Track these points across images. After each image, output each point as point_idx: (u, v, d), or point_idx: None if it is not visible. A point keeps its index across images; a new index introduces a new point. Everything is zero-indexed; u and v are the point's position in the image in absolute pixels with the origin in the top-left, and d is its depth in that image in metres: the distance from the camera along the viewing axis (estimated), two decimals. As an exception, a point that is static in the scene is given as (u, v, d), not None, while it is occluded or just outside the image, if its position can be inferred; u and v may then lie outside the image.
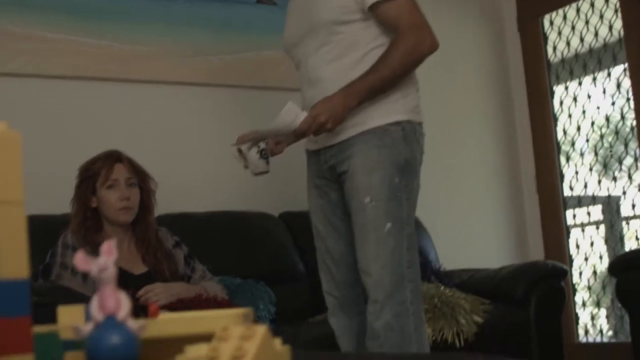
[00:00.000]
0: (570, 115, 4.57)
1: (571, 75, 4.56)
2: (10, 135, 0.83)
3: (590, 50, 4.51)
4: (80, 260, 0.91)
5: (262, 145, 2.63)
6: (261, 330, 0.91)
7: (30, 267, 0.85)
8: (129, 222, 3.05)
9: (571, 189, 4.56)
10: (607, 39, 4.41)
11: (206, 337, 1.00)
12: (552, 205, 4.56)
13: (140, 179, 3.08)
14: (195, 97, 3.90)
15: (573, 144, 4.59)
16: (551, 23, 4.63)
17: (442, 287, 3.65)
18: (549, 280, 3.71)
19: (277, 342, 0.95)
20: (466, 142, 4.54)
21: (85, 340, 0.91)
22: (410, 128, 2.59)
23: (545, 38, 4.64)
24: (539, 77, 4.61)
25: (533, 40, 4.63)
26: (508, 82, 4.74)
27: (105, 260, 0.91)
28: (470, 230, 4.48)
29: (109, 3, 3.71)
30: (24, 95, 3.54)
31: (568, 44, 4.55)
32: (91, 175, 3.03)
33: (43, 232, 3.00)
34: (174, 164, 3.72)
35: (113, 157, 3.05)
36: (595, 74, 4.47)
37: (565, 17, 4.56)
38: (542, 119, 4.60)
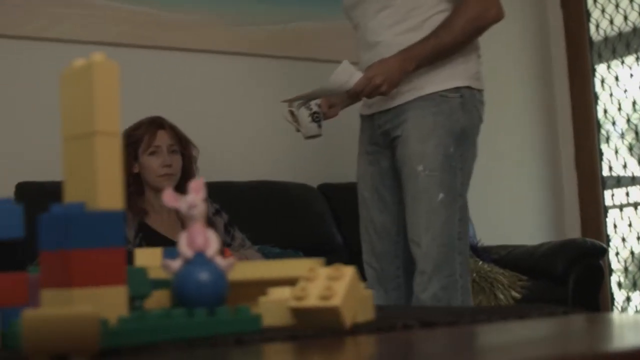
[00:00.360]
0: (611, 95, 4.52)
1: (614, 54, 4.51)
2: (110, 65, 0.83)
3: (634, 29, 4.45)
4: (169, 197, 0.91)
5: (315, 108, 2.57)
6: (349, 271, 0.91)
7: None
8: (170, 188, 3.05)
9: (610, 169, 4.51)
10: (651, 18, 4.36)
11: (286, 282, 1.01)
12: (591, 184, 4.52)
13: (183, 146, 3.08)
14: (238, 67, 3.89)
15: (614, 124, 4.54)
16: (595, 1, 4.57)
17: (480, 262, 3.65)
18: (588, 258, 3.69)
19: (362, 285, 0.95)
20: (505, 119, 4.51)
21: (173, 276, 0.91)
22: (470, 95, 2.51)
23: (588, 15, 4.58)
24: (581, 55, 4.56)
25: (576, 17, 4.58)
26: (549, 59, 4.70)
27: (194, 198, 0.91)
28: (507, 207, 4.46)
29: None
30: (66, 61, 3.54)
31: (611, 22, 4.50)
32: (134, 142, 3.03)
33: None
34: (216, 133, 3.72)
35: (156, 124, 3.05)
36: (638, 53, 4.41)
37: (609, -5, 4.51)
38: (583, 98, 4.55)
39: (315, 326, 0.89)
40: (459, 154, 2.47)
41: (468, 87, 2.51)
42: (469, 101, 2.50)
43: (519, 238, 4.21)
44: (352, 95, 2.49)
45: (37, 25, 3.47)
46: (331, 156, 3.95)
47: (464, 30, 2.44)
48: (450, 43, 2.44)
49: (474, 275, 3.45)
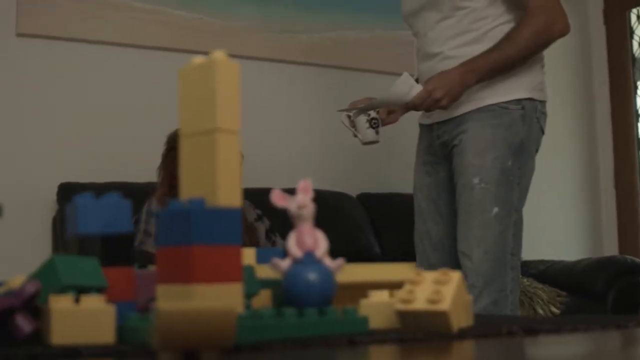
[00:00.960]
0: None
1: (656, 72, 4.50)
2: (231, 64, 0.83)
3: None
4: (278, 197, 0.92)
5: (373, 114, 2.54)
6: (456, 275, 0.91)
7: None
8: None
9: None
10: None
11: (386, 286, 1.01)
12: (629, 201, 4.50)
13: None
14: (280, 74, 3.91)
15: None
16: (638, 17, 4.55)
17: (520, 277, 3.63)
18: (627, 276, 3.68)
19: (466, 291, 0.95)
20: (545, 134, 4.48)
21: (282, 275, 0.91)
22: (531, 107, 2.44)
23: (632, 32, 4.56)
24: (623, 71, 4.55)
25: (619, 33, 4.57)
26: (591, 75, 4.69)
27: (303, 198, 0.92)
28: (546, 222, 4.44)
29: (200, -24, 3.74)
30: (112, 63, 3.58)
31: (654, 39, 4.49)
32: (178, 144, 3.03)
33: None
34: (259, 139, 3.74)
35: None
36: (680, 71, 4.40)
37: (653, 13, 4.50)
38: (624, 114, 4.54)
39: (421, 329, 0.89)
40: (517, 168, 2.41)
41: (530, 99, 2.45)
42: (530, 113, 2.44)
43: (557, 253, 4.20)
44: (411, 108, 2.45)
45: (85, 27, 3.51)
46: (371, 166, 3.95)
47: (529, 43, 2.37)
48: (513, 57, 2.37)
49: (514, 289, 3.44)
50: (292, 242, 0.92)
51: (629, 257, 3.92)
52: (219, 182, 0.83)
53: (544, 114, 2.51)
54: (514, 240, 2.42)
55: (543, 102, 2.51)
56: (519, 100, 2.43)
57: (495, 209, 2.36)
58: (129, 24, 3.59)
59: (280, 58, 3.88)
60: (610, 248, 4.51)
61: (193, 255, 0.80)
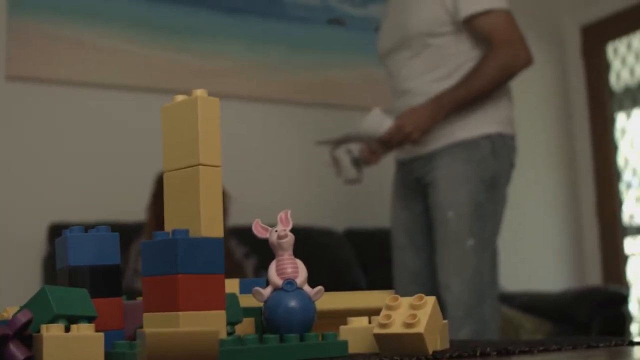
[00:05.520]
0: (632, 144, 4.57)
1: (634, 103, 4.57)
2: (211, 100, 0.88)
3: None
4: (258, 228, 0.96)
5: (355, 153, 2.63)
6: (431, 300, 0.95)
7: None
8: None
9: (631, 217, 4.55)
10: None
11: (365, 313, 1.05)
12: (612, 232, 4.55)
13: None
14: (269, 113, 3.96)
15: (634, 172, 4.58)
16: (615, 51, 4.64)
17: (505, 307, 3.67)
18: (611, 306, 3.72)
19: (440, 315, 0.99)
20: (527, 166, 4.55)
21: (263, 303, 0.95)
22: (501, 142, 2.54)
23: (609, 66, 4.65)
24: (602, 104, 4.62)
25: (597, 67, 4.65)
26: (570, 107, 4.76)
27: (282, 229, 0.96)
28: (529, 252, 4.49)
29: (186, 18, 3.79)
30: (101, 105, 3.62)
31: (632, 72, 4.56)
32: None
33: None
34: (248, 177, 3.77)
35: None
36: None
37: (629, 46, 4.58)
38: (604, 146, 4.61)
39: (398, 352, 0.93)
40: (490, 201, 2.50)
41: (499, 135, 2.53)
42: (499, 148, 2.52)
43: (540, 283, 4.25)
44: (383, 143, 2.53)
45: (75, 70, 3.56)
46: (356, 201, 3.99)
47: (494, 77, 2.46)
48: (481, 90, 2.46)
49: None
50: (272, 271, 0.96)
51: (612, 287, 3.97)
52: (201, 214, 0.87)
53: (513, 148, 2.59)
54: (490, 271, 2.50)
55: (512, 137, 2.58)
56: (488, 136, 2.52)
57: (471, 241, 2.44)
58: (118, 66, 3.64)
59: (268, 97, 3.93)
60: (594, 277, 4.55)
61: (178, 284, 0.84)
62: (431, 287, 2.63)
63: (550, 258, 4.60)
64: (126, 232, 3.23)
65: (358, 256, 3.84)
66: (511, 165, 2.60)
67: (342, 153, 2.64)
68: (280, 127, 3.97)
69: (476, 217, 2.47)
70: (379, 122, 2.49)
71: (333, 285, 3.85)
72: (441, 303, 2.53)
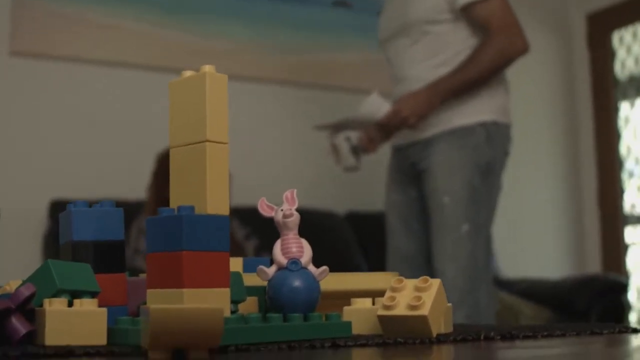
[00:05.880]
0: (635, 133, 4.56)
1: (638, 92, 4.56)
2: (219, 77, 0.87)
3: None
4: (264, 206, 0.95)
5: (354, 140, 2.65)
6: (436, 282, 0.95)
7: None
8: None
9: (632, 206, 4.54)
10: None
11: (369, 294, 1.05)
12: (613, 220, 4.55)
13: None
14: (272, 94, 3.95)
15: (637, 161, 4.57)
16: (620, 40, 4.62)
17: (505, 294, 3.67)
18: (610, 294, 3.72)
19: (445, 298, 0.98)
20: (529, 154, 4.55)
21: (267, 283, 0.94)
22: (495, 130, 2.57)
23: (614, 54, 4.63)
24: (606, 92, 4.61)
25: (602, 55, 4.64)
26: (574, 96, 4.75)
27: (288, 207, 0.95)
28: (530, 239, 4.49)
29: (191, -3, 3.79)
30: (103, 82, 3.61)
31: (637, 61, 4.55)
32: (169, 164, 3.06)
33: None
34: (248, 158, 3.77)
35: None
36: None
37: (635, 35, 4.56)
38: (607, 135, 4.60)
39: (402, 334, 0.93)
40: (484, 187, 2.53)
41: (494, 123, 2.57)
42: (494, 136, 2.56)
43: (540, 270, 4.25)
44: (381, 127, 2.56)
45: (78, 46, 3.55)
46: (358, 185, 3.99)
47: (491, 63, 2.50)
48: (477, 77, 2.50)
49: (499, 306, 3.48)
50: (277, 250, 0.95)
51: (612, 275, 3.97)
52: (207, 191, 0.86)
53: (508, 137, 2.62)
54: (485, 256, 2.53)
55: (507, 125, 2.61)
56: (483, 123, 2.56)
57: (466, 226, 2.47)
58: (121, 43, 3.63)
59: (271, 78, 3.92)
60: (594, 266, 4.56)
61: (183, 260, 0.83)
62: (424, 272, 2.65)
63: (550, 245, 4.60)
64: (127, 211, 3.21)
65: (359, 239, 3.84)
66: (505, 153, 2.63)
67: (340, 140, 2.65)
68: (282, 108, 3.96)
69: (471, 202, 2.50)
70: (377, 106, 2.52)
71: (334, 267, 3.87)
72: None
